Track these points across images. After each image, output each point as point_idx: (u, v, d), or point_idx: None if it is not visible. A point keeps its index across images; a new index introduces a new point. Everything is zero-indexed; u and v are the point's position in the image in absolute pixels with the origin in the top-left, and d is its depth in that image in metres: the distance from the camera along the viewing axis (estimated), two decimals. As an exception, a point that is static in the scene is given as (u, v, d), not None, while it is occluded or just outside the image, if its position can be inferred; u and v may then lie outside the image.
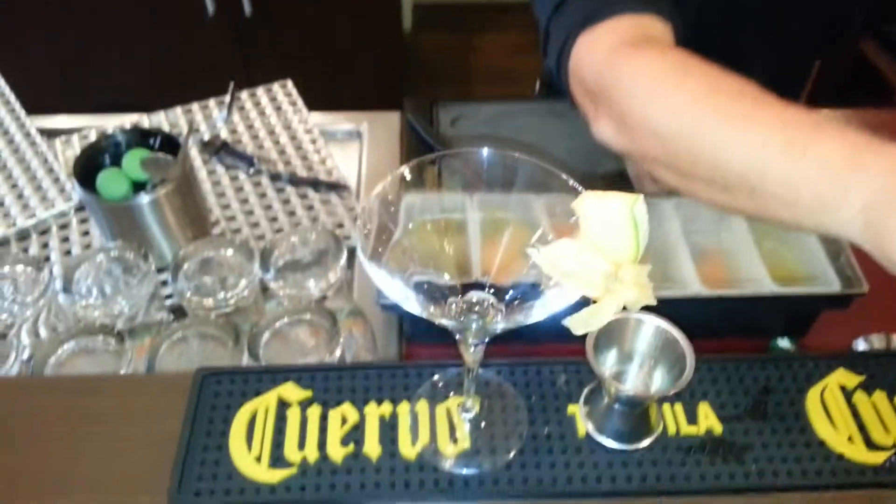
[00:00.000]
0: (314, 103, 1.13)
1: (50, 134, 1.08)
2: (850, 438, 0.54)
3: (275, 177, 0.99)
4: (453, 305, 0.49)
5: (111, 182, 0.83)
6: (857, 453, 0.54)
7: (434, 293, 0.49)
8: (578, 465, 0.53)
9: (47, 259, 0.90)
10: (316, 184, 0.98)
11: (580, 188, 0.46)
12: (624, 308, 0.42)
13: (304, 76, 1.20)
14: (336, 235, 0.77)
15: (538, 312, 0.45)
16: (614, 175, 1.03)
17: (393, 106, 1.13)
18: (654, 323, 0.52)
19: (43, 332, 0.77)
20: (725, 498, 0.52)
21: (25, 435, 0.55)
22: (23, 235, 0.93)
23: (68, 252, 0.91)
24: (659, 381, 0.52)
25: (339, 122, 1.13)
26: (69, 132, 1.08)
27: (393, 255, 0.48)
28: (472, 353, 0.49)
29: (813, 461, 0.53)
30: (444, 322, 0.44)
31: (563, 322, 0.42)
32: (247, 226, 0.94)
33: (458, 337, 0.48)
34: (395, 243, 0.48)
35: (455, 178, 0.52)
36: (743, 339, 0.80)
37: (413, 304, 0.44)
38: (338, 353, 0.66)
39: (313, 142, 1.05)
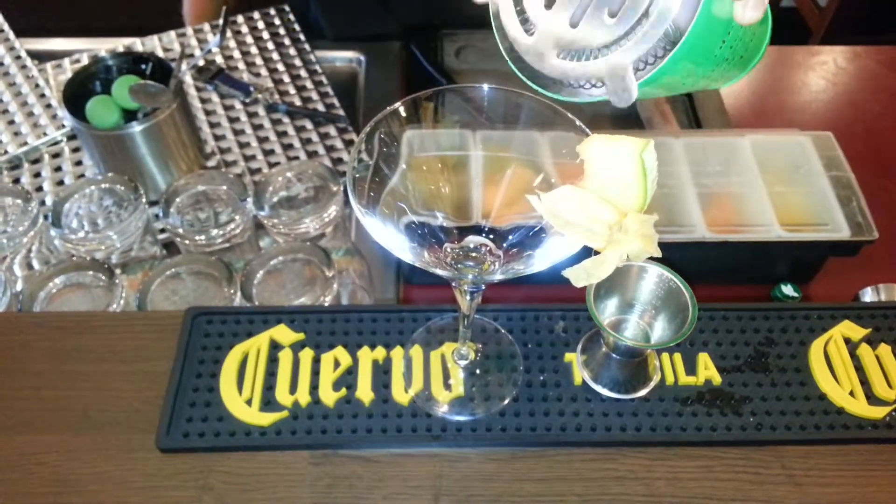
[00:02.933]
0: (312, 29, 1.08)
1: (41, 57, 1.04)
2: (851, 392, 0.53)
3: (271, 107, 0.96)
4: (449, 250, 0.47)
5: (101, 110, 0.80)
6: (858, 407, 0.53)
7: (430, 238, 0.47)
8: (573, 414, 0.52)
9: (39, 189, 0.88)
10: (313, 115, 0.95)
11: (587, 130, 0.43)
12: (627, 259, 0.40)
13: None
14: (333, 171, 0.75)
15: (538, 262, 0.43)
16: (625, 113, 1.00)
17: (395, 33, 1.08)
18: (657, 272, 0.50)
19: (36, 265, 0.75)
20: (722, 450, 0.52)
21: (14, 371, 0.55)
22: (14, 164, 0.91)
23: (61, 182, 0.89)
24: (659, 332, 0.51)
25: (338, 48, 1.08)
26: (61, 56, 1.04)
27: (387, 198, 0.45)
28: (467, 300, 0.48)
29: (812, 415, 0.53)
30: (439, 272, 0.43)
31: (564, 273, 0.40)
32: (242, 158, 0.91)
33: (453, 284, 0.46)
34: (390, 184, 0.46)
35: (456, 114, 0.50)
36: (746, 287, 0.78)
37: (406, 253, 0.43)
38: (333, 293, 0.64)
39: (311, 71, 1.01)
